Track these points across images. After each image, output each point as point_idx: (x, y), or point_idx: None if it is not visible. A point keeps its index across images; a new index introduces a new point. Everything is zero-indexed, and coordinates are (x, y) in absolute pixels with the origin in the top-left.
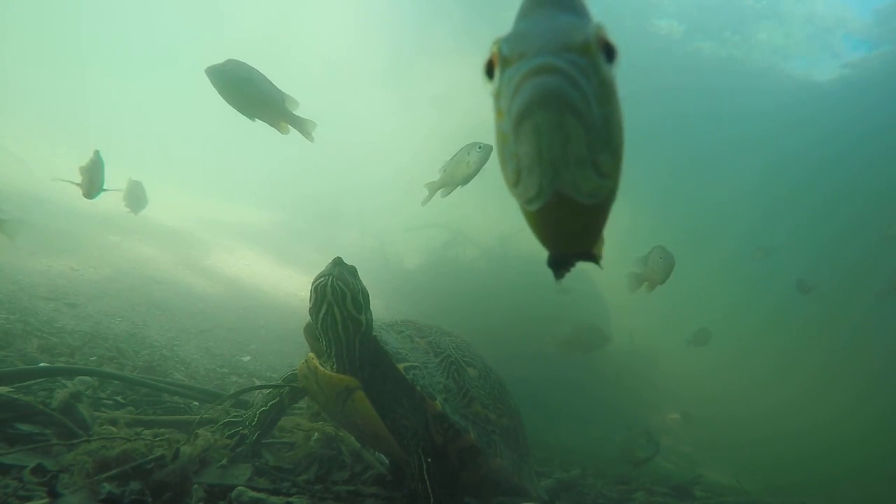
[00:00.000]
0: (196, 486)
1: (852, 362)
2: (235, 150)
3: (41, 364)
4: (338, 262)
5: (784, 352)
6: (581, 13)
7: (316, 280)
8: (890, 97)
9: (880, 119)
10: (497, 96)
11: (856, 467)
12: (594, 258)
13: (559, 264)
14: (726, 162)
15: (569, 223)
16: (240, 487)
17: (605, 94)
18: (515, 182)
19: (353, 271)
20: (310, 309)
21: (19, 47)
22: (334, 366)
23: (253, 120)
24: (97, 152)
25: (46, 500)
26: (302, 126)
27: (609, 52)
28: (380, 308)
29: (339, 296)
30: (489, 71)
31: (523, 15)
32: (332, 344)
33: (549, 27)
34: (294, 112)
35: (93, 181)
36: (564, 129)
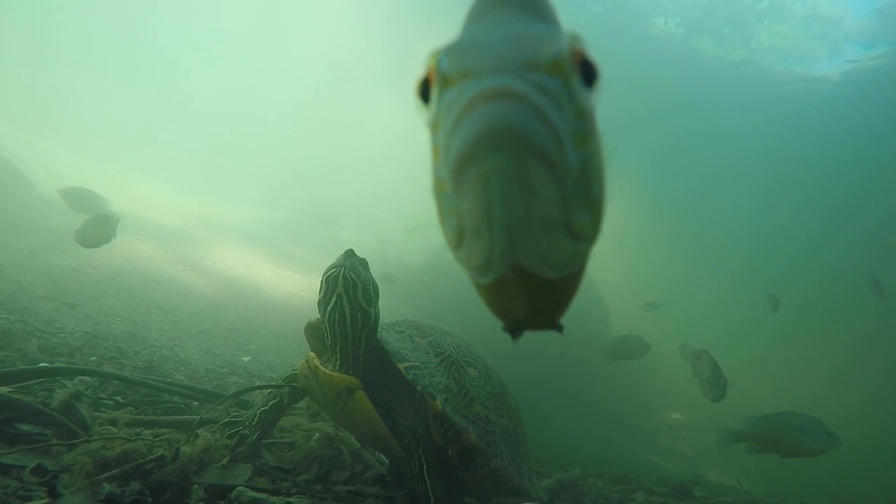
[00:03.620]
0: (196, 486)
1: (861, 367)
2: (235, 150)
3: (41, 364)
4: (350, 253)
5: (795, 357)
6: (548, 17)
7: (328, 271)
8: (891, 97)
9: (881, 119)
10: (434, 128)
11: (863, 468)
12: (559, 328)
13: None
14: (730, 166)
15: (530, 301)
16: (240, 487)
17: (583, 129)
18: (457, 244)
19: (364, 263)
20: (319, 301)
21: (16, 47)
22: (337, 363)
23: None
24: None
25: (46, 500)
26: None
27: (588, 72)
28: (380, 308)
29: (350, 287)
30: (424, 93)
31: (473, 18)
32: (337, 338)
33: (505, 35)
34: None
35: (97, 241)
36: (527, 181)
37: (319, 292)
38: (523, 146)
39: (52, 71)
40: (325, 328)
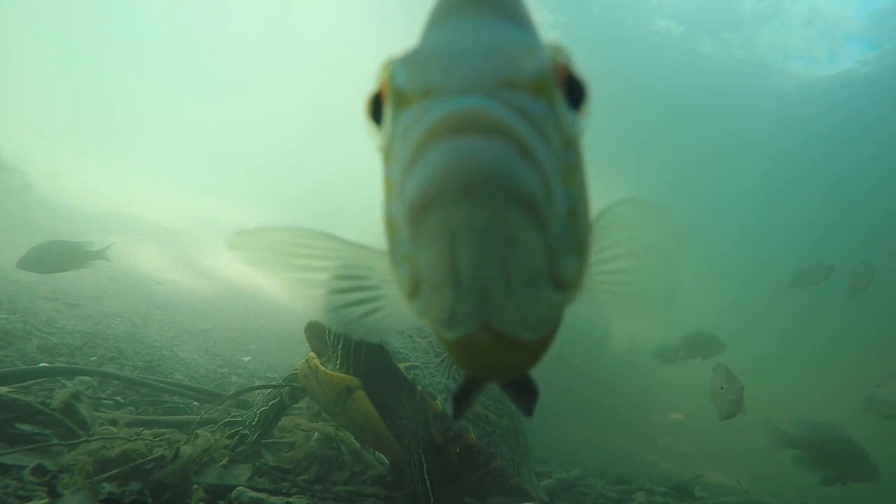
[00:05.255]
0: (196, 486)
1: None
2: (236, 150)
3: (41, 364)
4: None
5: (782, 338)
6: (524, 23)
7: None
8: (890, 97)
9: (881, 119)
10: (387, 155)
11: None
12: (534, 387)
13: (466, 394)
14: (728, 162)
15: (501, 361)
16: (240, 487)
17: (570, 161)
18: (412, 294)
19: None
20: None
21: (15, 46)
22: (338, 362)
23: None
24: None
25: (46, 500)
26: None
27: (574, 92)
28: None
29: None
30: (377, 112)
31: (435, 20)
32: (341, 336)
33: (476, 44)
34: None
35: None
36: (505, 235)
37: None
38: (503, 194)
39: (52, 70)
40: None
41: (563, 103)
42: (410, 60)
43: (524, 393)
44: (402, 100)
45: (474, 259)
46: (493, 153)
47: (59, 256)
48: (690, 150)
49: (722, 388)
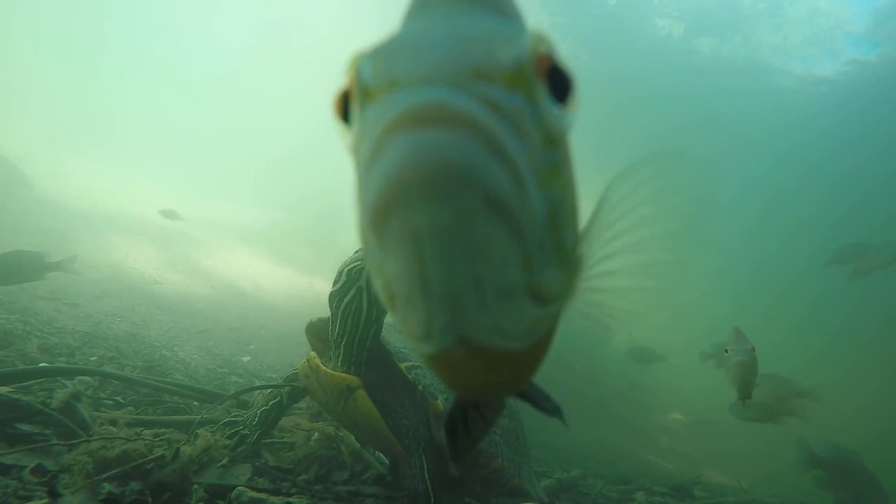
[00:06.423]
0: (196, 486)
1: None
2: (235, 148)
3: (41, 364)
4: None
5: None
6: (506, 13)
7: (349, 263)
8: (889, 97)
9: (882, 119)
10: (356, 156)
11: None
12: (549, 407)
13: (458, 423)
14: (729, 162)
15: (485, 377)
16: (240, 487)
17: (553, 162)
18: (390, 307)
19: None
20: (333, 293)
21: (15, 46)
22: (339, 360)
23: None
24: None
25: (46, 500)
26: None
27: (559, 83)
28: None
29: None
30: (345, 110)
31: (412, 11)
32: (346, 332)
33: (448, 32)
34: None
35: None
36: (474, 241)
37: (335, 284)
38: (468, 193)
39: (54, 71)
40: (335, 321)
41: (546, 97)
42: (378, 53)
43: (542, 409)
44: (367, 95)
45: (441, 267)
46: (457, 147)
47: (15, 268)
48: (691, 150)
49: (727, 352)
